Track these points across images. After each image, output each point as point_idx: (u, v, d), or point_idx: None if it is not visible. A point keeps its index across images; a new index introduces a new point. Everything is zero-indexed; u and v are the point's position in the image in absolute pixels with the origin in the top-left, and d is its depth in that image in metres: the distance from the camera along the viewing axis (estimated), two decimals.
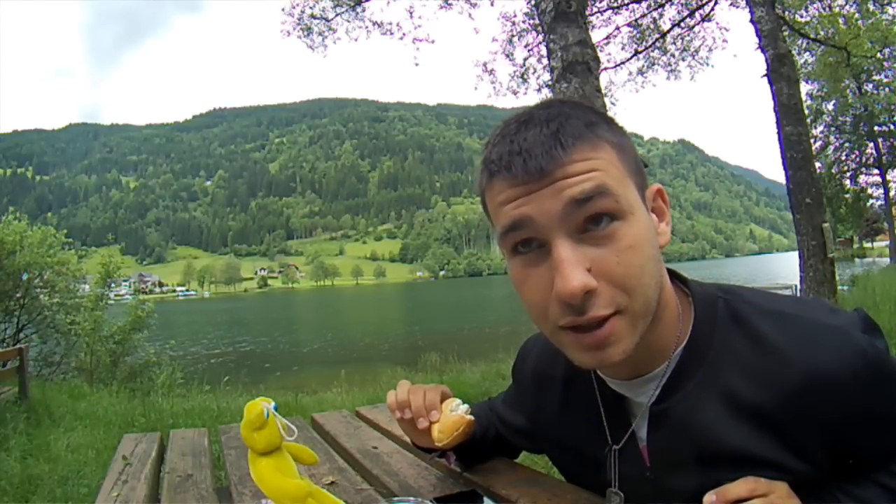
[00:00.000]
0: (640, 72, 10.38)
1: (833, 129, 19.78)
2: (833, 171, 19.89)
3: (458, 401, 0.81)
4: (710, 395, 0.57)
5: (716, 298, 0.61)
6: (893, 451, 0.58)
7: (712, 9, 9.41)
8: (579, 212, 0.50)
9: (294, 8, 8.64)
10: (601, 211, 0.50)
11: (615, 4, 9.59)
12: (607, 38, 9.91)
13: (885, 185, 19.66)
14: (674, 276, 0.64)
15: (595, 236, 0.51)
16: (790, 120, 5.93)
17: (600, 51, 8.85)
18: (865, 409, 0.54)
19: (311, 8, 8.64)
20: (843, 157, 20.26)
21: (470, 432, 0.80)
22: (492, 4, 9.00)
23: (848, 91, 18.08)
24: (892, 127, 18.71)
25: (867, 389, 0.53)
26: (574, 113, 0.54)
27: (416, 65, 9.08)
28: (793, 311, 0.57)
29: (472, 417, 0.79)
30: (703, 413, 0.57)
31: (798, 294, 6.41)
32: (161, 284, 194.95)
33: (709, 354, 0.58)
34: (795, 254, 6.07)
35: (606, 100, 5.96)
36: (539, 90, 9.88)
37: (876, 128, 18.54)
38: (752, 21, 6.31)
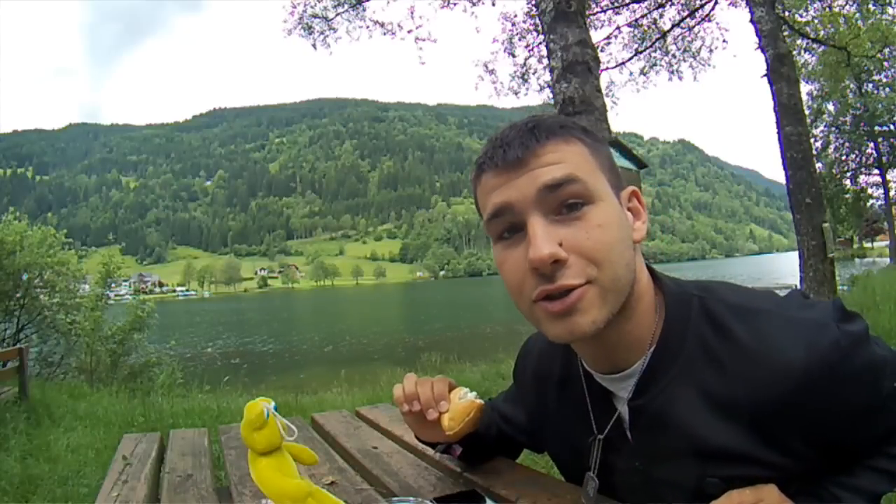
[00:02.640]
0: (642, 72, 10.39)
1: (833, 129, 19.80)
2: (833, 171, 19.90)
3: (466, 389, 0.80)
4: (685, 391, 0.59)
5: (690, 297, 0.62)
6: (885, 435, 0.58)
7: (712, 9, 9.42)
8: (552, 196, 0.56)
9: (295, 7, 8.67)
10: (572, 196, 0.56)
11: (615, 4, 9.59)
12: (607, 38, 9.92)
13: (885, 185, 19.70)
14: (653, 275, 0.66)
15: (568, 219, 0.56)
16: (790, 120, 5.93)
17: (601, 51, 8.87)
18: (843, 401, 0.54)
19: (311, 7, 8.67)
20: (843, 157, 20.28)
21: (480, 418, 0.79)
22: (493, 4, 9.01)
23: (848, 91, 18.09)
24: (892, 127, 18.71)
25: (843, 381, 0.54)
26: (551, 118, 0.61)
27: (423, 63, 9.03)
28: (767, 307, 0.58)
29: (481, 402, 0.79)
30: (679, 409, 0.59)
31: None
32: (161, 284, 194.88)
33: (682, 352, 0.60)
34: (795, 254, 6.06)
35: (607, 100, 5.95)
36: (540, 90, 9.89)
37: (876, 128, 18.55)
38: (752, 21, 6.31)
